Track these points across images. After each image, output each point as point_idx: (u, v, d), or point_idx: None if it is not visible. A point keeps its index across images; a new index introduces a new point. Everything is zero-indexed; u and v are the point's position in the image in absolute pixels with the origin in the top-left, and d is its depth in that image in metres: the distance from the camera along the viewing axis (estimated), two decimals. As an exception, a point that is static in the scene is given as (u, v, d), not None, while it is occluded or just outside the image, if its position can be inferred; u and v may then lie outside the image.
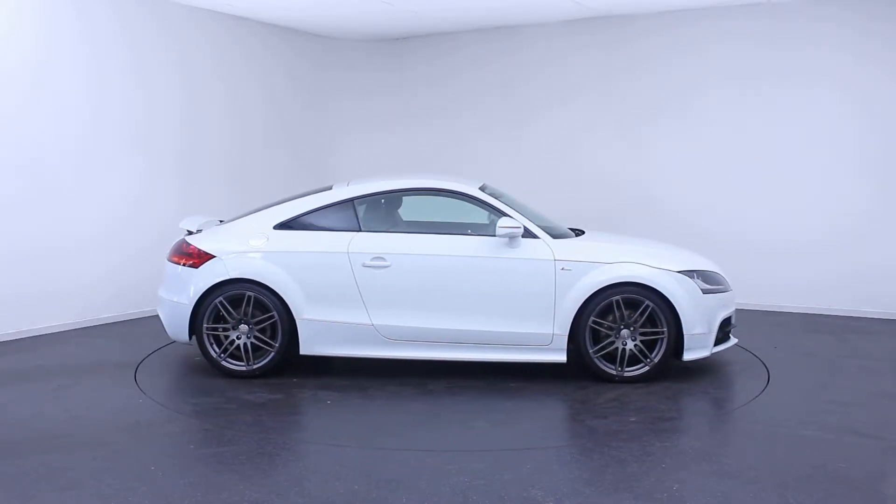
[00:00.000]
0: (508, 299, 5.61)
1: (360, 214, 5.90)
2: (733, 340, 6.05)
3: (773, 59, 8.05)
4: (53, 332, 7.08)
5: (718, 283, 5.79)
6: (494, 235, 5.64)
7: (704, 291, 5.63)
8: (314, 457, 4.18)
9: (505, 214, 5.71)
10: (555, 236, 5.82)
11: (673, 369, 5.73)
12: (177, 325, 5.88)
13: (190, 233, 6.12)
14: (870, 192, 7.73)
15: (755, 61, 8.13)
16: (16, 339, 6.80)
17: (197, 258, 5.86)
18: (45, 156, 7.01)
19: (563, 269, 5.59)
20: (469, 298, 5.63)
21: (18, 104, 6.81)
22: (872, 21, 7.65)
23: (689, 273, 5.64)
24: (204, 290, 5.74)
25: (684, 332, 5.52)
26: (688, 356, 5.58)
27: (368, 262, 5.64)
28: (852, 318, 7.72)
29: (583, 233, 6.20)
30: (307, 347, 5.72)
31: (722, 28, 8.26)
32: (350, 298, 5.66)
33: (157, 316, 7.75)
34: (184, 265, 5.89)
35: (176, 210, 8.18)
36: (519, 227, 5.57)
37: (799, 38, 7.94)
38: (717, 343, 5.75)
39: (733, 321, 5.98)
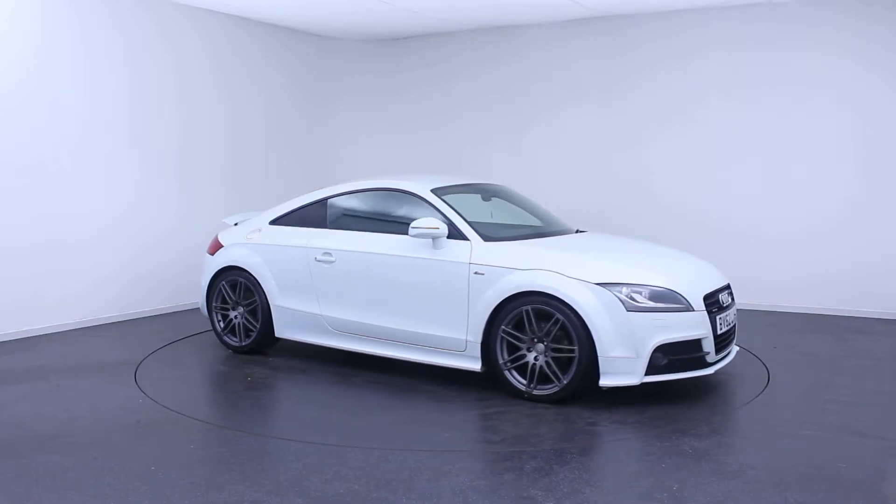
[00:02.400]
0: (426, 300, 5.53)
1: (328, 212, 6.28)
2: (707, 369, 5.15)
3: (774, 60, 8.05)
4: (53, 332, 7.09)
5: (668, 301, 4.96)
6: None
7: (631, 309, 4.89)
8: (314, 457, 4.18)
9: (442, 214, 5.61)
10: (552, 235, 5.87)
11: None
12: (201, 303, 6.75)
13: (237, 225, 6.86)
14: (868, 191, 7.73)
15: (755, 62, 8.13)
16: (16, 339, 6.80)
17: (215, 247, 6.72)
18: (44, 156, 7.02)
19: (475, 272, 5.31)
20: (393, 296, 5.70)
21: (15, 105, 6.81)
22: (868, 22, 7.66)
23: (613, 286, 4.95)
24: (212, 274, 6.61)
25: (598, 354, 4.89)
26: (605, 381, 4.91)
27: (319, 257, 6.06)
28: (852, 318, 7.72)
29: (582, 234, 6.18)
30: (280, 331, 6.30)
31: (722, 29, 8.26)
32: (307, 290, 6.12)
33: (158, 316, 7.95)
34: (209, 253, 6.78)
35: (176, 211, 8.19)
36: (436, 229, 5.40)
37: (798, 39, 7.94)
38: (661, 370, 4.94)
39: (705, 347, 5.07)
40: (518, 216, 6.43)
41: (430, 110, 9.98)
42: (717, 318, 5.16)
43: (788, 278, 8.11)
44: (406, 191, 5.95)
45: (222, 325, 6.55)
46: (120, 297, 7.70)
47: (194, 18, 8.30)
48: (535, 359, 5.08)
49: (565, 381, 4.98)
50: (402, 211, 5.96)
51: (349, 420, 4.90)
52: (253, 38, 9.04)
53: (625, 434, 4.55)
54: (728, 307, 5.39)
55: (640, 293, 4.95)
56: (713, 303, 5.19)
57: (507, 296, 5.13)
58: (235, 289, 6.45)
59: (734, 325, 5.53)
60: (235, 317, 6.46)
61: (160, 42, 7.98)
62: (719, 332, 5.17)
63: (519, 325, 5.12)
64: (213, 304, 6.57)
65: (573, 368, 4.95)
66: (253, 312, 6.36)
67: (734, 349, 5.64)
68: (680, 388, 5.35)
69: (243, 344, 6.42)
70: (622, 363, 4.88)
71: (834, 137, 7.86)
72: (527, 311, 5.07)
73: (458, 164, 9.57)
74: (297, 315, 6.16)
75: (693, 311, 5.01)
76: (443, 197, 5.80)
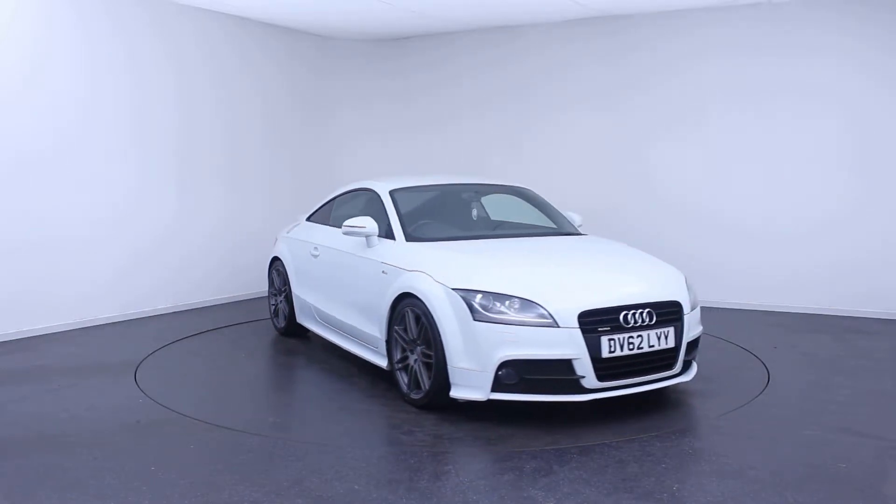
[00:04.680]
0: (357, 296, 5.76)
1: (332, 211, 6.75)
2: (582, 396, 4.53)
3: (774, 62, 8.06)
4: (53, 332, 7.09)
5: (529, 314, 4.53)
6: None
7: (479, 318, 4.55)
8: (314, 457, 4.18)
9: (385, 213, 5.75)
10: (530, 236, 5.92)
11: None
12: None
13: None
14: (867, 191, 7.73)
15: (755, 64, 8.14)
16: (16, 339, 6.80)
17: (276, 240, 7.42)
18: (43, 155, 7.01)
19: (382, 272, 5.34)
20: (342, 290, 6.05)
21: (14, 104, 6.81)
22: (866, 24, 7.67)
23: (468, 292, 4.64)
24: (268, 264, 7.37)
25: (447, 362, 4.67)
26: (455, 393, 4.67)
27: (312, 252, 6.55)
28: (852, 317, 7.73)
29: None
30: (298, 317, 6.84)
31: (723, 31, 8.26)
32: (308, 280, 6.63)
33: (158, 316, 7.97)
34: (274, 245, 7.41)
35: (175, 211, 8.19)
36: (362, 227, 5.55)
37: (799, 41, 7.95)
38: (514, 389, 4.53)
39: (577, 370, 4.49)
40: (516, 216, 6.49)
41: (431, 111, 9.98)
42: (606, 338, 4.54)
43: (788, 278, 8.11)
44: (373, 190, 6.17)
45: (273, 308, 7.25)
46: (120, 297, 7.70)
47: (194, 18, 8.30)
48: (415, 362, 4.96)
49: (427, 387, 4.83)
50: (369, 210, 6.11)
51: (238, 399, 5.39)
52: (251, 38, 9.04)
53: (624, 436, 4.55)
54: (642, 328, 4.65)
55: (498, 303, 4.57)
56: (603, 321, 4.57)
57: (395, 296, 5.10)
58: (280, 276, 7.13)
59: (670, 350, 4.78)
60: (279, 302, 7.13)
61: (159, 41, 7.97)
62: (609, 355, 4.53)
63: (407, 327, 5.05)
64: (270, 290, 7.33)
65: (432, 375, 4.78)
66: (287, 299, 6.95)
67: (684, 377, 5.01)
68: (679, 388, 5.35)
69: (280, 327, 7.12)
70: (469, 375, 4.59)
71: (833, 138, 7.86)
72: (406, 312, 5.00)
73: (460, 165, 9.57)
74: (304, 304, 6.69)
75: (558, 327, 4.51)
76: (397, 197, 5.89)
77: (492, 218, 6.52)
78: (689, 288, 5.17)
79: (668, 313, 4.82)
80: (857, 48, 7.71)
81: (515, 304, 4.57)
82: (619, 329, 4.59)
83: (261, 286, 9.21)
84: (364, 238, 5.66)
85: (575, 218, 6.43)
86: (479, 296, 4.62)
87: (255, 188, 9.12)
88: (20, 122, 6.83)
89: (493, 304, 4.58)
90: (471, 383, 4.61)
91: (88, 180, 7.38)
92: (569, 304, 4.56)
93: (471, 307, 4.60)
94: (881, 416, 4.84)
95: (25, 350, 6.50)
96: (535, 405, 4.87)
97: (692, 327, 5.02)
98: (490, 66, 9.54)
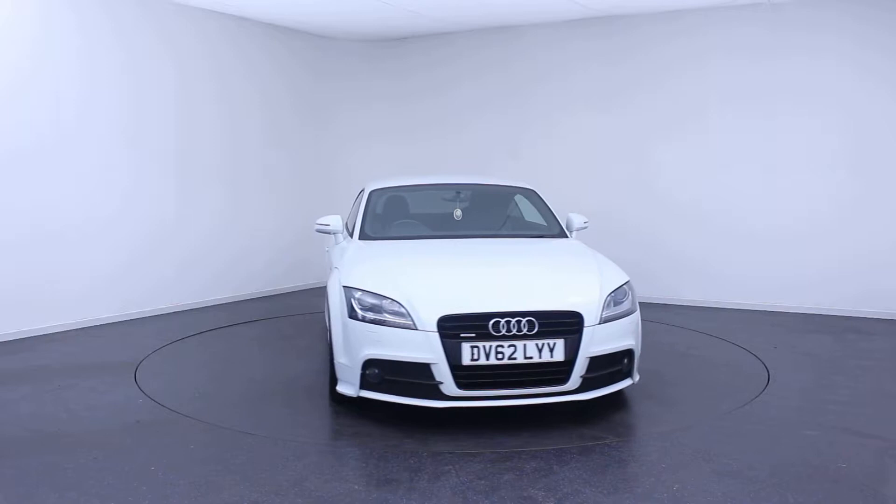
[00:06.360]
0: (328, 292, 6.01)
1: (350, 209, 7.03)
2: (440, 402, 4.41)
3: (774, 64, 8.06)
4: (53, 332, 7.09)
5: (392, 315, 4.51)
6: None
7: (351, 316, 4.64)
8: (314, 457, 4.18)
9: (357, 213, 6.03)
10: (532, 237, 5.98)
11: (670, 368, 5.71)
12: None
13: None
14: (866, 191, 7.74)
15: (755, 65, 8.14)
16: (16, 339, 6.80)
17: None
18: (43, 154, 7.02)
19: (334, 268, 5.44)
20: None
21: (13, 103, 6.81)
22: (863, 26, 7.67)
23: (352, 290, 4.71)
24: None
25: (333, 357, 4.82)
26: (339, 387, 4.79)
27: (326, 248, 6.81)
28: (852, 318, 7.73)
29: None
30: None
31: (722, 32, 8.27)
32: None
33: (158, 316, 7.97)
34: None
35: (175, 210, 8.19)
36: (327, 225, 5.89)
37: (798, 42, 7.95)
38: (380, 388, 4.56)
39: (436, 375, 4.37)
40: (507, 215, 6.53)
41: (431, 111, 9.98)
42: (469, 345, 4.35)
43: (788, 278, 8.12)
44: (363, 189, 6.41)
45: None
46: (120, 297, 7.70)
47: (193, 18, 8.30)
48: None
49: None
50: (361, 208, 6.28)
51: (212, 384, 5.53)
52: (251, 38, 9.04)
53: (624, 434, 4.55)
54: (517, 337, 4.36)
55: (375, 302, 4.59)
56: (468, 327, 4.38)
57: (328, 291, 5.25)
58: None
59: (558, 364, 4.43)
60: None
61: (159, 41, 7.97)
62: (471, 362, 4.35)
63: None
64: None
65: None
66: None
67: (581, 395, 4.54)
68: (678, 389, 5.35)
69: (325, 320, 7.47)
70: (346, 371, 4.70)
71: (833, 138, 7.87)
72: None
73: (461, 165, 9.57)
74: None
75: (416, 330, 4.41)
76: (374, 196, 6.16)
77: (482, 218, 6.39)
78: (625, 296, 4.83)
79: (559, 324, 4.46)
80: (857, 49, 7.71)
81: (389, 304, 4.57)
82: (486, 337, 4.36)
83: (260, 286, 9.21)
84: (333, 235, 6.02)
85: (575, 220, 6.18)
86: (360, 293, 4.69)
87: (255, 188, 9.12)
88: (19, 120, 6.83)
89: (370, 303, 4.62)
90: (347, 379, 4.73)
91: (88, 180, 7.38)
92: (432, 307, 4.44)
93: (350, 304, 4.69)
94: (881, 416, 4.84)
95: (25, 350, 6.50)
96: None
97: (602, 341, 4.55)
98: (490, 66, 9.54)
